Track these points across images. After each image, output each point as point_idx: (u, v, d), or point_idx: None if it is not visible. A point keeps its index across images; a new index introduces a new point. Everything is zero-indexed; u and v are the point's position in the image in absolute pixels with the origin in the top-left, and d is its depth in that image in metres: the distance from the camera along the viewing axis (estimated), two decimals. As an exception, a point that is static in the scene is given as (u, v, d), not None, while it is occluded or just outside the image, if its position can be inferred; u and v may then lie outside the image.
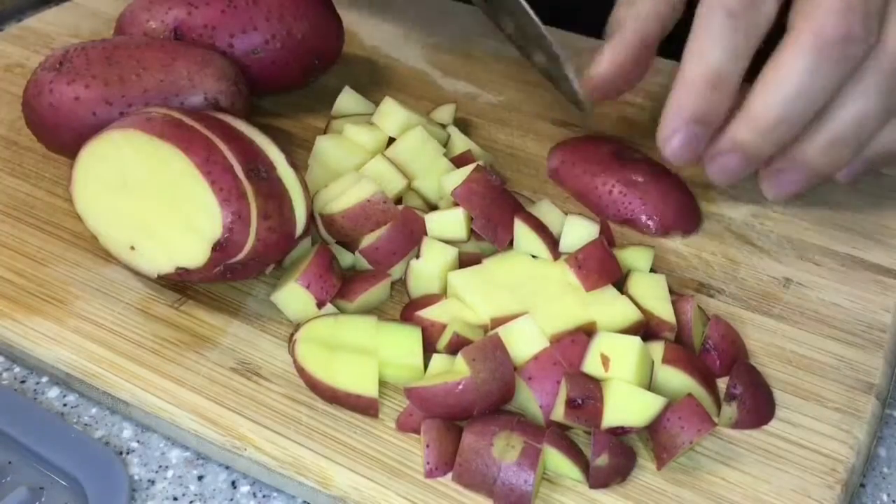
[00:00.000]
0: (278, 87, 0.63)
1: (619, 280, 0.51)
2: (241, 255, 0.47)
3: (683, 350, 0.48)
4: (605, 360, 0.46)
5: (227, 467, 0.47)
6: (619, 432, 0.44)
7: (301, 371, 0.47)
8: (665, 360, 0.47)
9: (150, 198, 0.48)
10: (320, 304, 0.50)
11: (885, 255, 0.57)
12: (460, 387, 0.44)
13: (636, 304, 0.50)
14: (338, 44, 0.65)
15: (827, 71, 0.50)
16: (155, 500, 0.45)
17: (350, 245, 0.53)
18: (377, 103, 0.62)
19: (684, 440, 0.44)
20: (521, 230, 0.52)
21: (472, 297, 0.50)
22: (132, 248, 0.49)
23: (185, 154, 0.47)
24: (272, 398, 0.47)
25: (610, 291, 0.50)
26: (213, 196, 0.46)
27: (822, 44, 0.50)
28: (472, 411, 0.45)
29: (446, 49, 0.75)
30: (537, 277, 0.51)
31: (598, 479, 0.43)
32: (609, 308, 0.49)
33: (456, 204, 0.53)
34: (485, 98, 0.70)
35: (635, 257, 0.53)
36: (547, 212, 0.55)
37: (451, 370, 0.46)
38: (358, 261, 0.53)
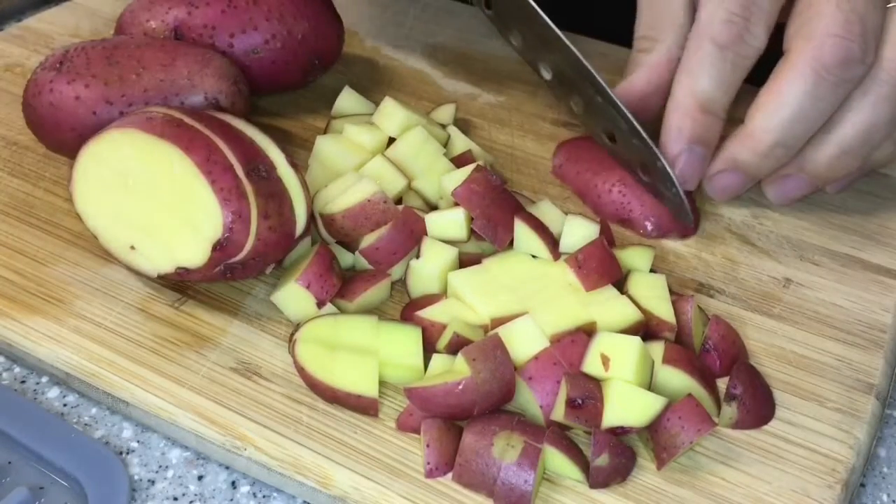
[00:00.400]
0: (278, 87, 0.63)
1: (619, 280, 0.51)
2: (241, 255, 0.47)
3: (683, 350, 0.48)
4: (606, 360, 0.46)
5: (227, 467, 0.47)
6: (619, 432, 0.44)
7: (301, 371, 0.47)
8: (665, 360, 0.47)
9: (151, 197, 0.48)
10: (320, 304, 0.50)
11: (884, 256, 0.57)
12: (460, 387, 0.44)
13: (636, 304, 0.50)
14: (338, 44, 0.65)
15: (825, 94, 0.51)
16: (155, 500, 0.45)
17: (350, 245, 0.53)
18: (377, 103, 0.62)
19: (684, 440, 0.44)
20: (522, 230, 0.52)
21: (472, 297, 0.50)
22: (132, 247, 0.49)
23: (186, 154, 0.47)
24: (272, 398, 0.47)
25: (610, 291, 0.50)
26: (214, 196, 0.46)
27: (820, 68, 0.50)
28: (472, 411, 0.45)
29: (446, 49, 0.75)
30: (537, 277, 0.51)
31: (598, 479, 0.43)
32: (609, 308, 0.49)
33: (456, 204, 0.53)
34: (485, 98, 0.70)
35: (635, 257, 0.53)
36: (547, 212, 0.55)
37: (451, 370, 0.46)
38: (358, 261, 0.53)
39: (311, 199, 0.51)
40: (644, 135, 0.55)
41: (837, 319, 0.53)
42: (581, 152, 0.62)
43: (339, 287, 0.50)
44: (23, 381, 0.50)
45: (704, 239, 0.58)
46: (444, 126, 0.62)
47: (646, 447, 0.46)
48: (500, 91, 0.71)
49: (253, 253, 0.47)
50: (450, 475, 0.44)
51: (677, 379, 0.46)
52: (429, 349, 0.48)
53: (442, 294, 0.52)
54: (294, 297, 0.50)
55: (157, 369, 0.48)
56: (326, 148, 0.58)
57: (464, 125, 0.66)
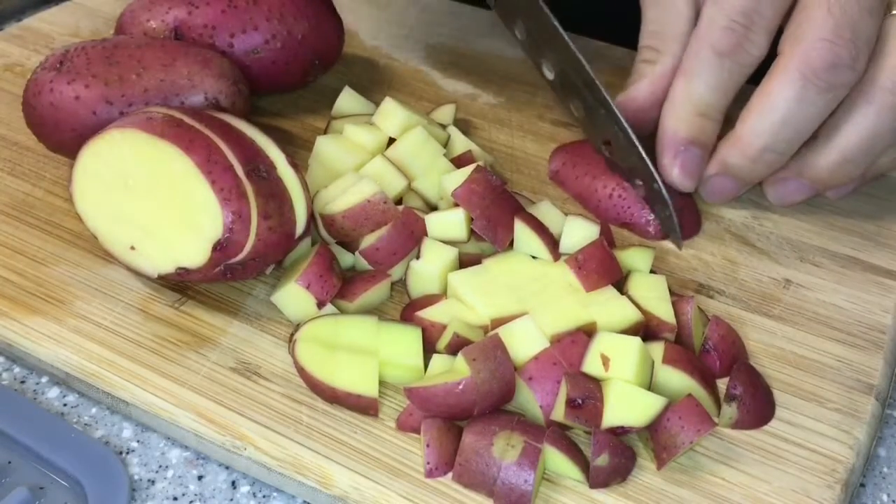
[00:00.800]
0: (278, 87, 0.63)
1: (620, 280, 0.51)
2: (241, 255, 0.47)
3: (683, 350, 0.48)
4: (606, 361, 0.46)
5: (227, 467, 0.47)
6: (619, 432, 0.44)
7: (301, 371, 0.47)
8: (665, 361, 0.47)
9: (151, 197, 0.48)
10: (320, 304, 0.50)
11: (884, 257, 0.57)
12: (460, 387, 0.44)
13: (636, 304, 0.50)
14: (338, 44, 0.65)
15: (813, 99, 0.51)
16: (155, 500, 0.45)
17: (350, 245, 0.53)
18: (377, 103, 0.62)
19: (684, 440, 0.44)
20: (522, 231, 0.52)
21: (472, 298, 0.50)
22: (132, 248, 0.49)
23: (186, 154, 0.47)
24: (272, 398, 0.47)
25: (610, 292, 0.50)
26: (214, 196, 0.46)
27: (808, 72, 0.50)
28: (472, 411, 0.45)
29: (446, 49, 0.75)
30: (537, 278, 0.51)
31: (598, 479, 0.43)
32: (609, 308, 0.49)
33: (456, 204, 0.53)
34: (485, 98, 0.70)
35: (635, 258, 0.53)
36: (547, 212, 0.55)
37: (451, 370, 0.46)
38: (358, 261, 0.53)
39: (311, 200, 0.51)
40: (643, 153, 0.55)
41: (837, 320, 0.53)
42: (577, 157, 0.62)
43: (339, 287, 0.50)
44: (23, 381, 0.50)
45: (704, 240, 0.58)
46: (444, 126, 0.62)
47: (646, 447, 0.46)
48: (500, 91, 0.71)
49: (253, 253, 0.47)
50: (450, 475, 0.44)
51: (677, 379, 0.46)
52: (429, 349, 0.48)
53: (442, 294, 0.52)
54: (294, 297, 0.50)
55: (157, 369, 0.48)
56: (326, 148, 0.58)
57: (464, 125, 0.66)
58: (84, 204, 0.50)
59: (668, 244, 0.58)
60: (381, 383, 0.47)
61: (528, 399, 0.46)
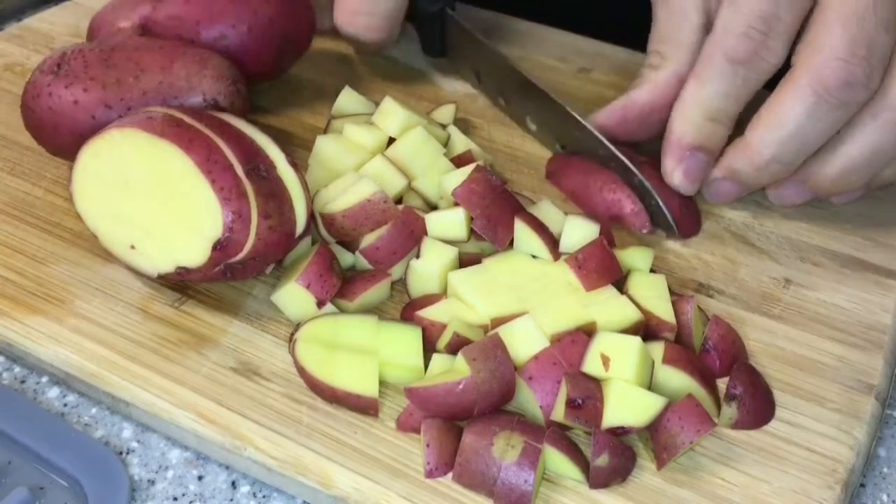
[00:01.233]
0: (252, 76, 0.61)
1: (619, 280, 0.51)
2: (241, 255, 0.47)
3: (683, 350, 0.48)
4: (606, 360, 0.46)
5: (227, 467, 0.47)
6: (619, 432, 0.44)
7: (301, 371, 0.47)
8: (665, 360, 0.47)
9: (151, 197, 0.48)
10: (320, 304, 0.50)
11: (885, 256, 0.57)
12: (460, 387, 0.44)
13: (636, 304, 0.50)
14: (309, 26, 0.64)
15: (825, 115, 0.51)
16: (155, 500, 0.45)
17: (350, 245, 0.53)
18: (377, 103, 0.62)
19: (684, 440, 0.44)
20: (522, 230, 0.52)
21: (472, 297, 0.50)
22: (132, 247, 0.49)
23: (186, 153, 0.47)
24: (272, 398, 0.47)
25: (610, 291, 0.50)
26: (214, 195, 0.46)
27: (821, 90, 0.50)
28: (472, 411, 0.45)
29: (446, 49, 0.75)
30: (537, 277, 0.51)
31: (598, 479, 0.43)
32: (609, 308, 0.49)
33: (456, 204, 0.53)
34: (485, 98, 0.70)
35: (635, 257, 0.53)
36: (547, 212, 0.55)
37: (451, 370, 0.46)
38: (358, 261, 0.53)
39: (311, 199, 0.51)
40: (622, 157, 0.57)
41: (837, 320, 0.53)
42: (571, 158, 0.62)
43: (339, 287, 0.50)
44: (23, 381, 0.50)
45: (704, 239, 0.58)
46: (444, 126, 0.62)
47: (646, 447, 0.46)
48: (500, 91, 0.71)
49: (253, 252, 0.47)
50: (450, 475, 0.44)
51: (677, 379, 0.46)
52: (429, 349, 0.48)
53: (442, 294, 0.52)
54: (294, 296, 0.50)
55: (157, 369, 0.48)
56: (326, 148, 0.58)
57: (464, 125, 0.66)
58: (84, 203, 0.50)
59: (668, 243, 0.58)
60: (381, 383, 0.47)
61: (528, 399, 0.46)
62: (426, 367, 0.47)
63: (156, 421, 0.47)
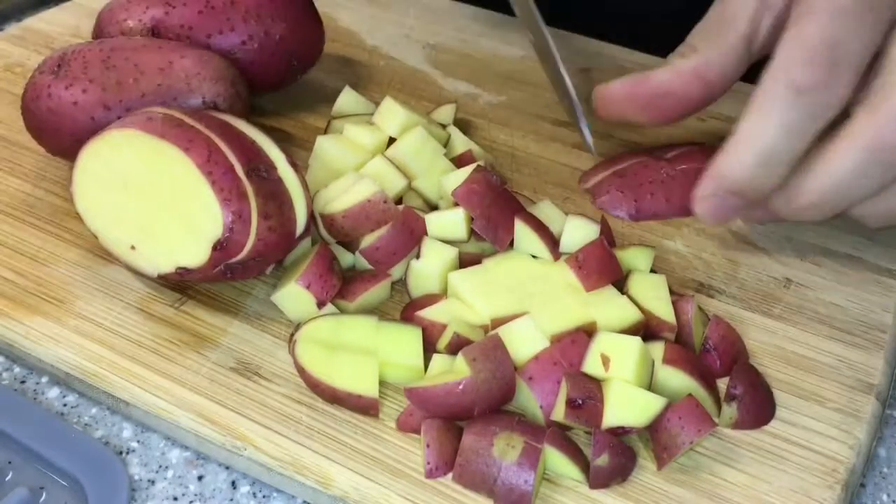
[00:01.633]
0: (256, 88, 0.62)
1: (620, 280, 0.51)
2: (241, 255, 0.47)
3: (683, 350, 0.48)
4: (606, 360, 0.46)
5: (227, 467, 0.47)
6: (619, 432, 0.44)
7: (301, 371, 0.47)
8: (665, 360, 0.47)
9: (151, 197, 0.48)
10: (320, 304, 0.50)
11: (884, 255, 0.57)
12: (461, 387, 0.44)
13: (636, 304, 0.50)
14: (317, 45, 0.64)
15: (874, 173, 0.47)
16: (155, 500, 0.45)
17: (350, 245, 0.53)
18: (377, 103, 0.62)
19: (684, 440, 0.44)
20: (522, 230, 0.52)
21: (472, 297, 0.50)
22: (132, 247, 0.49)
23: (186, 154, 0.47)
24: (272, 398, 0.47)
25: (610, 291, 0.50)
26: (214, 196, 0.46)
27: (878, 149, 0.46)
28: (472, 411, 0.45)
29: (446, 49, 0.75)
30: (537, 277, 0.51)
31: (599, 479, 0.43)
32: (609, 308, 0.49)
33: (456, 204, 0.53)
34: (485, 98, 0.70)
35: (635, 257, 0.53)
36: (547, 212, 0.55)
37: (451, 370, 0.46)
38: (358, 261, 0.53)
39: (311, 199, 0.51)
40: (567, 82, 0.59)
41: (838, 319, 0.53)
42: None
43: (339, 287, 0.50)
44: (23, 381, 0.50)
45: (705, 239, 0.58)
46: (444, 126, 0.62)
47: (646, 447, 0.46)
48: (500, 91, 0.71)
49: (253, 253, 0.47)
50: (450, 475, 0.44)
51: (677, 379, 0.46)
52: (429, 349, 0.48)
53: (442, 294, 0.52)
54: (294, 297, 0.50)
55: (157, 369, 0.48)
56: (326, 148, 0.58)
57: (464, 125, 0.66)
58: (84, 204, 0.50)
59: (668, 243, 0.58)
60: (381, 383, 0.47)
61: (528, 399, 0.46)
62: (426, 367, 0.47)
63: (156, 421, 0.47)
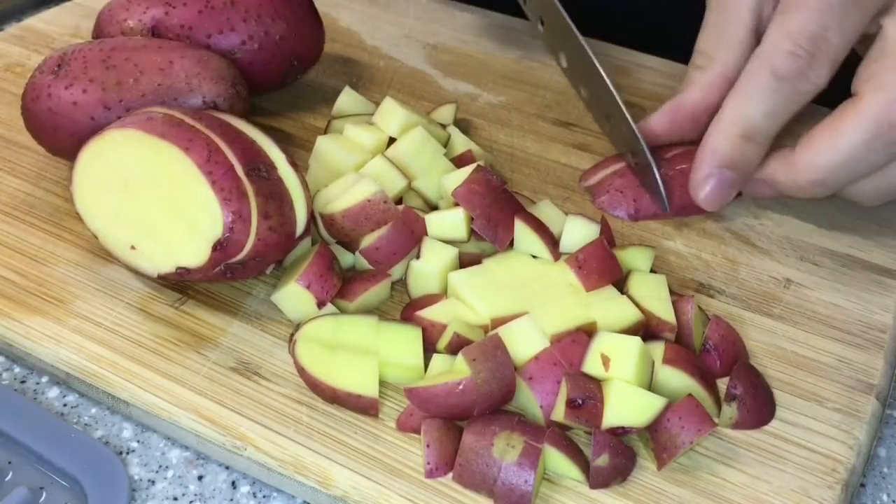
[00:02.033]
0: (256, 88, 0.62)
1: (620, 280, 0.51)
2: (241, 255, 0.47)
3: (683, 350, 0.48)
4: (606, 360, 0.46)
5: (227, 467, 0.47)
6: (619, 432, 0.44)
7: (301, 371, 0.47)
8: (665, 361, 0.47)
9: (151, 197, 0.48)
10: (320, 304, 0.50)
11: (884, 256, 0.57)
12: (461, 387, 0.44)
13: (636, 304, 0.50)
14: (317, 45, 0.64)
15: (882, 149, 0.50)
16: (155, 500, 0.45)
17: (350, 245, 0.53)
18: (377, 103, 0.62)
19: (684, 440, 0.44)
20: (522, 230, 0.52)
21: (472, 297, 0.50)
22: (132, 247, 0.49)
23: (186, 154, 0.47)
24: (272, 398, 0.47)
25: (610, 291, 0.50)
26: (214, 196, 0.46)
27: (885, 124, 0.49)
28: (472, 411, 0.45)
29: (446, 49, 0.75)
30: (537, 277, 0.51)
31: (599, 479, 0.43)
32: (609, 308, 0.49)
33: (456, 204, 0.53)
34: (485, 98, 0.70)
35: (635, 257, 0.53)
36: (547, 212, 0.55)
37: (451, 370, 0.46)
38: (358, 261, 0.53)
39: (311, 199, 0.51)
40: (631, 122, 0.57)
41: (837, 319, 0.53)
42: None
43: (339, 287, 0.50)
44: (23, 381, 0.50)
45: (705, 239, 0.58)
46: (444, 126, 0.62)
47: (646, 447, 0.46)
48: (500, 91, 0.71)
49: (253, 253, 0.47)
50: (450, 475, 0.44)
51: (677, 379, 0.46)
52: (429, 349, 0.48)
53: (442, 294, 0.52)
54: (294, 297, 0.50)
55: (157, 369, 0.48)
56: (326, 148, 0.58)
57: (464, 125, 0.66)
58: (84, 203, 0.50)
59: (668, 243, 0.58)
60: (381, 383, 0.47)
61: (528, 399, 0.46)
62: (426, 367, 0.47)
63: (156, 421, 0.47)
